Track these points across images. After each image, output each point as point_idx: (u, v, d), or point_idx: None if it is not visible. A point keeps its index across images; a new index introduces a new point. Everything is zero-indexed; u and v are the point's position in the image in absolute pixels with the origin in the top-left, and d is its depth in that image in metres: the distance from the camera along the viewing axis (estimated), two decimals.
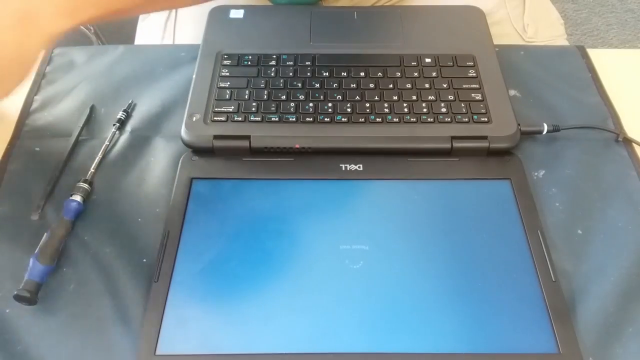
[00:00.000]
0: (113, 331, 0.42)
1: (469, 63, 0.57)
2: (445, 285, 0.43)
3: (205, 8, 0.62)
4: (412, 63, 0.57)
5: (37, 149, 0.53)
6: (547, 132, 0.53)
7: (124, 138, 0.54)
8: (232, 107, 0.53)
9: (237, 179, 0.50)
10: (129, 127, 0.55)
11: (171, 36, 0.70)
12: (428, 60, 0.57)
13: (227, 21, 0.61)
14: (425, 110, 0.53)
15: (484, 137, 0.51)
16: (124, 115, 0.55)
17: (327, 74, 0.56)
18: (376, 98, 0.54)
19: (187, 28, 0.70)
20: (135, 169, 0.52)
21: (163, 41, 0.71)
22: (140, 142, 0.54)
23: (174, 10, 0.71)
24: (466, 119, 0.52)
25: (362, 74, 0.56)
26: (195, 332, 0.41)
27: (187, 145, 0.52)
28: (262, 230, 0.46)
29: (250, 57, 0.57)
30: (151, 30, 0.72)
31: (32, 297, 0.42)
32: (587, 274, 0.45)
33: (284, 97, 0.54)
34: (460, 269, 0.44)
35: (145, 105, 0.57)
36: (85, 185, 0.49)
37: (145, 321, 0.41)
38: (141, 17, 0.75)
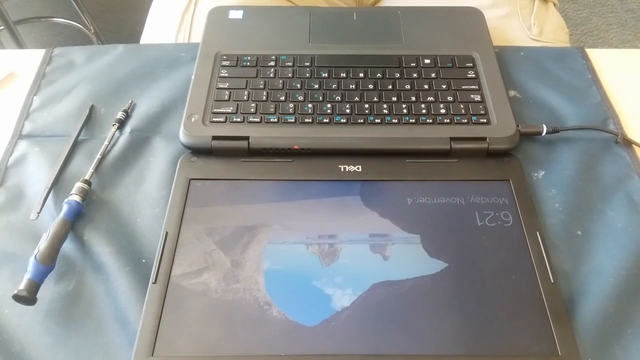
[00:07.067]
0: (111, 332, 0.42)
1: (469, 64, 0.57)
2: (444, 287, 0.43)
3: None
4: (412, 64, 0.57)
5: (37, 149, 0.53)
6: (547, 133, 0.53)
7: (123, 138, 0.54)
8: (231, 108, 0.53)
9: (235, 179, 0.50)
10: (128, 127, 0.55)
11: (187, 30, 0.70)
12: (427, 61, 0.57)
13: (226, 22, 0.61)
14: (424, 111, 0.53)
15: (483, 139, 0.51)
16: (123, 115, 0.55)
17: (326, 74, 0.56)
18: (375, 99, 0.54)
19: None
20: (135, 169, 0.52)
21: (178, 35, 0.71)
22: (140, 142, 0.54)
23: (192, 4, 0.71)
24: (465, 120, 0.52)
25: (362, 74, 0.56)
26: (192, 333, 0.41)
27: (186, 146, 0.52)
28: (260, 231, 0.46)
29: (249, 57, 0.57)
30: (166, 24, 0.72)
31: (30, 297, 0.42)
32: (587, 275, 0.45)
33: (282, 98, 0.54)
34: (459, 270, 0.44)
35: (145, 105, 0.57)
36: (85, 186, 0.49)
37: (143, 322, 0.41)
38: (152, 11, 0.76)
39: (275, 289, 0.43)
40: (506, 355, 0.40)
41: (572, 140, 0.54)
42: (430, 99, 0.54)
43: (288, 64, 0.57)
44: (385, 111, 0.53)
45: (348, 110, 0.53)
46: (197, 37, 0.67)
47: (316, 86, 0.55)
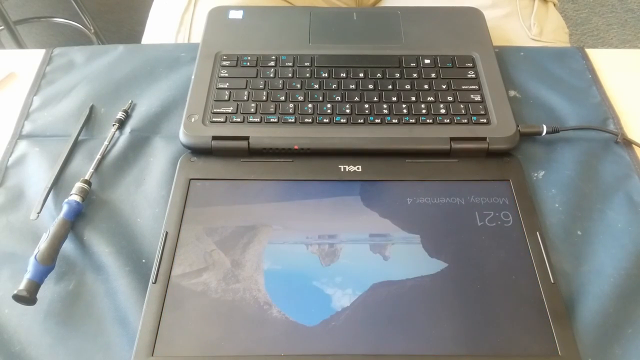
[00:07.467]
0: (111, 332, 0.42)
1: (469, 64, 0.57)
2: (444, 287, 0.43)
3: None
4: (412, 64, 0.57)
5: (37, 149, 0.53)
6: (547, 133, 0.53)
7: (123, 138, 0.54)
8: (231, 108, 0.53)
9: (235, 179, 0.50)
10: (128, 127, 0.55)
11: (187, 30, 0.70)
12: (427, 61, 0.57)
13: (226, 22, 0.61)
14: (424, 111, 0.53)
15: (483, 139, 0.51)
16: (123, 116, 0.55)
17: (326, 74, 0.56)
18: (375, 99, 0.54)
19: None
20: (135, 169, 0.52)
21: (178, 35, 0.71)
22: (140, 143, 0.54)
23: (192, 5, 0.71)
24: (465, 120, 0.52)
25: (361, 74, 0.56)
26: (192, 333, 0.41)
27: (186, 146, 0.52)
28: (260, 231, 0.46)
29: (249, 57, 0.57)
30: (165, 24, 0.72)
31: (30, 297, 0.42)
32: (587, 275, 0.45)
33: (282, 98, 0.54)
34: (459, 270, 0.44)
35: (145, 106, 0.57)
36: (85, 186, 0.49)
37: (143, 322, 0.41)
38: (153, 12, 0.76)
39: (275, 289, 0.43)
40: (506, 355, 0.40)
41: (572, 140, 0.54)
42: (430, 99, 0.54)
43: (288, 64, 0.57)
44: (385, 111, 0.53)
45: (348, 110, 0.53)
46: (197, 37, 0.67)
47: (316, 86, 0.55)
